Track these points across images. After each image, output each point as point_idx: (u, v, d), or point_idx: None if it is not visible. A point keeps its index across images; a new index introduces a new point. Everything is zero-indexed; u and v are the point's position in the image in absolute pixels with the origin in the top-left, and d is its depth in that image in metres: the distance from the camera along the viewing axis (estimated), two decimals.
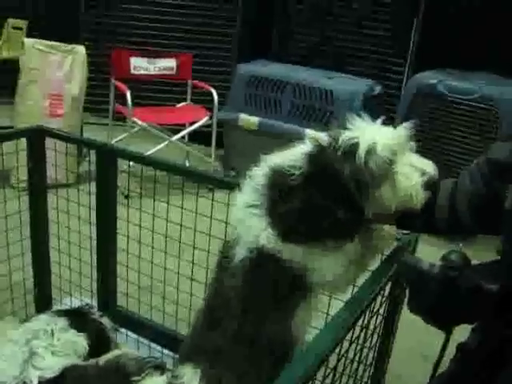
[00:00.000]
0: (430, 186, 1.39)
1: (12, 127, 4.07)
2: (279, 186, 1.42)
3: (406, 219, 1.46)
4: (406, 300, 1.40)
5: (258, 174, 1.48)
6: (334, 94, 4.35)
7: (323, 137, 1.44)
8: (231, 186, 1.83)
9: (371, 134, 1.39)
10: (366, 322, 1.42)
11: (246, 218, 1.47)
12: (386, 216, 1.45)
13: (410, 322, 1.61)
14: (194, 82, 4.93)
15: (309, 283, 1.46)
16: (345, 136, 1.39)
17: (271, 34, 5.52)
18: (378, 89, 4.59)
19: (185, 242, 2.16)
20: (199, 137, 5.03)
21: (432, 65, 4.29)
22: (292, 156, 1.45)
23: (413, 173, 1.40)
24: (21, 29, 5.09)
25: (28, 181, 2.47)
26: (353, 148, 1.37)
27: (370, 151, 1.36)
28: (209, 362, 1.53)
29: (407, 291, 1.38)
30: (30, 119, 3.88)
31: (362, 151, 1.36)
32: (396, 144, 1.39)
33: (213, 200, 2.04)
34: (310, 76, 4.60)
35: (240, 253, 1.48)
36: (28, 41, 4.30)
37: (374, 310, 1.47)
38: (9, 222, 2.36)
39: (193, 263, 2.18)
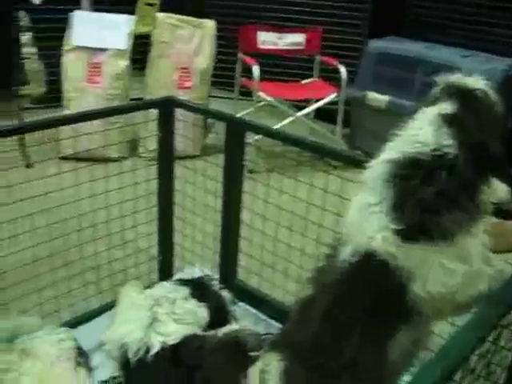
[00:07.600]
0: None
1: (142, 99, 4.21)
2: (415, 173, 1.27)
3: None
4: None
5: (379, 167, 1.35)
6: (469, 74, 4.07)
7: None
8: (362, 165, 1.73)
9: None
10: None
11: (361, 220, 1.35)
12: None
13: None
14: (323, 57, 4.82)
15: (415, 298, 1.29)
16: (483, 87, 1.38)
17: (404, 9, 5.28)
18: None
19: (311, 220, 2.09)
20: (324, 114, 4.92)
21: None
22: (419, 138, 1.30)
23: None
24: (153, 5, 5.23)
25: (157, 151, 2.50)
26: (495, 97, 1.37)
27: None
28: (288, 356, 1.47)
29: None
30: (159, 91, 3.97)
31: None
32: None
33: (342, 179, 1.96)
34: (444, 54, 4.34)
35: (345, 254, 1.37)
36: (160, 15, 4.41)
37: None
38: (138, 190, 2.42)
39: (318, 242, 2.11)
